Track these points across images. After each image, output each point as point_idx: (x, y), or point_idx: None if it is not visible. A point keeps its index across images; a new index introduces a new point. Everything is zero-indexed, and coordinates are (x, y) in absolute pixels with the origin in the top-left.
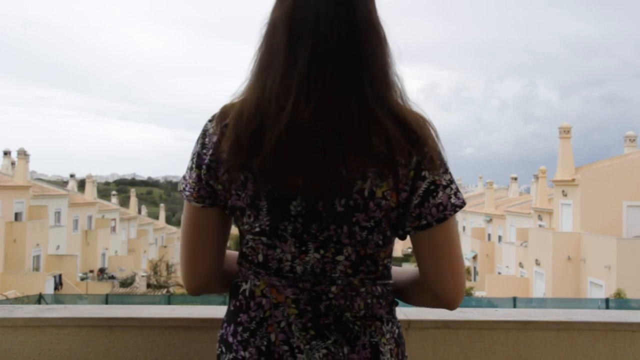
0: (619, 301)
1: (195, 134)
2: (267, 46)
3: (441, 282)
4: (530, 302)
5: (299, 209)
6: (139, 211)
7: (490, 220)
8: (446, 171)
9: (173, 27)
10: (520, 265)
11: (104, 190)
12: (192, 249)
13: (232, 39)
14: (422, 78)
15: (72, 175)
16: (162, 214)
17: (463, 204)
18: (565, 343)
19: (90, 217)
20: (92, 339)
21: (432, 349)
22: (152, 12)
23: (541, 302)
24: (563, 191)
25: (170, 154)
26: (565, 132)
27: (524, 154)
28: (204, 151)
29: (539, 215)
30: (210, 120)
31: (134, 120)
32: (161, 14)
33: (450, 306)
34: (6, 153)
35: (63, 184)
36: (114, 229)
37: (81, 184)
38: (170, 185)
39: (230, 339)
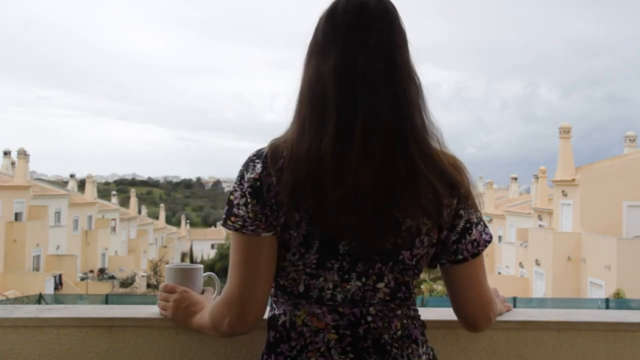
0: (619, 301)
1: (195, 134)
2: (317, 97)
3: (470, 310)
4: (530, 302)
5: (347, 248)
6: (139, 211)
7: (490, 220)
8: (477, 209)
9: (173, 27)
10: (520, 265)
11: (104, 190)
12: (252, 284)
13: (232, 39)
14: (422, 78)
15: (72, 175)
16: (162, 214)
17: (491, 238)
18: (565, 343)
19: (90, 217)
20: (92, 339)
21: None
22: (152, 12)
23: (541, 302)
24: (563, 191)
25: (170, 154)
26: (565, 132)
27: (524, 154)
28: (262, 192)
29: (539, 215)
30: (257, 157)
31: (134, 120)
32: (161, 14)
33: (478, 330)
34: (6, 153)
35: (63, 184)
36: (114, 229)
37: (81, 184)
38: (170, 185)
39: None
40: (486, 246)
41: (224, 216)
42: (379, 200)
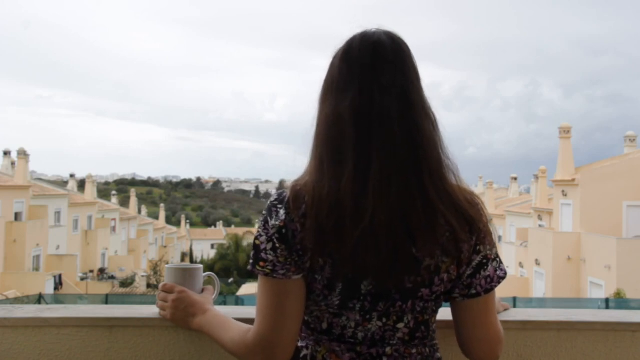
0: (619, 301)
1: (195, 134)
2: (334, 137)
3: (477, 348)
4: (530, 302)
5: (369, 288)
6: (139, 211)
7: (490, 220)
8: (494, 245)
9: (173, 27)
10: (520, 265)
11: (104, 190)
12: (282, 327)
13: (232, 38)
14: (424, 77)
15: (72, 175)
16: (162, 214)
17: (505, 275)
18: (565, 343)
19: (90, 217)
20: (92, 339)
21: None
22: (152, 11)
23: (541, 302)
24: (563, 191)
25: (170, 154)
26: (565, 132)
27: (525, 154)
28: (288, 238)
29: (539, 215)
30: (280, 202)
31: (134, 120)
32: (161, 13)
33: None
34: (6, 153)
35: (63, 184)
36: (114, 229)
37: (81, 184)
38: (170, 185)
39: None
40: (499, 282)
41: (251, 261)
42: (396, 238)
